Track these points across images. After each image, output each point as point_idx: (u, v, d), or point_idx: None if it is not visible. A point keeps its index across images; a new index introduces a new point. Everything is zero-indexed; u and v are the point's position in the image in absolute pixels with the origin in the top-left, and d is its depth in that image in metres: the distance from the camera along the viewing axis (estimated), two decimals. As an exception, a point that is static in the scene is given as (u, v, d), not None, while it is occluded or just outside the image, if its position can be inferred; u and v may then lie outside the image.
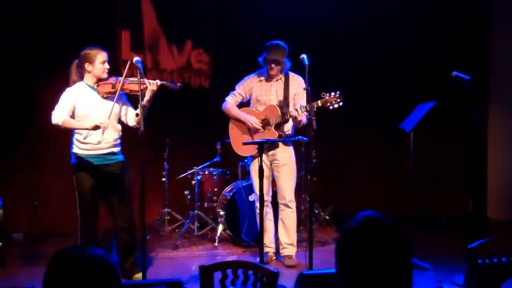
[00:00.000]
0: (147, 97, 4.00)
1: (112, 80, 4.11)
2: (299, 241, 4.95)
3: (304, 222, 5.85)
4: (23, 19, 5.77)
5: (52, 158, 5.79)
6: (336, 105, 4.30)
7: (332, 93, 4.30)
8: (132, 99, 4.24)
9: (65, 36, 5.76)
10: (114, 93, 4.05)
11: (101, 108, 4.08)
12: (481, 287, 2.14)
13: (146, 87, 3.99)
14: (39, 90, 5.70)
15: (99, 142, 4.07)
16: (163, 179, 6.01)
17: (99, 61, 4.07)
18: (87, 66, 4.08)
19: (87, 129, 3.95)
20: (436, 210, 6.29)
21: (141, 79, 3.85)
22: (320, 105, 4.28)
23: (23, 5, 5.75)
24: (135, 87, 3.98)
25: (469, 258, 2.18)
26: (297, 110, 4.44)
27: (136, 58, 3.88)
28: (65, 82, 4.19)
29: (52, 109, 4.04)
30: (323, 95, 4.30)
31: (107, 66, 4.12)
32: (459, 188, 6.07)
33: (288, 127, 4.73)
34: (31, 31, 5.77)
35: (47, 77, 5.65)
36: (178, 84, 4.12)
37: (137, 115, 4.03)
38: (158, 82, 4.03)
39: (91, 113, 4.05)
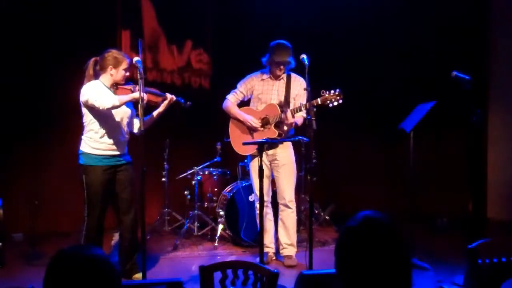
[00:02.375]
0: (160, 109, 4.23)
1: (129, 86, 4.17)
2: (299, 241, 4.95)
3: (304, 222, 5.85)
4: (24, 19, 5.76)
5: (53, 158, 5.80)
6: (335, 103, 4.28)
7: (332, 91, 4.28)
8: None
9: (65, 36, 5.77)
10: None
11: (120, 109, 4.11)
12: (481, 287, 2.14)
13: (163, 99, 4.19)
14: (39, 90, 5.71)
15: (114, 143, 4.10)
16: (163, 179, 6.01)
17: (122, 68, 4.12)
18: (110, 69, 4.10)
19: (135, 98, 4.01)
20: (436, 210, 6.29)
21: (160, 92, 4.20)
22: (320, 103, 4.26)
23: (23, 5, 5.75)
24: (152, 98, 4.14)
25: (469, 258, 2.19)
26: (291, 110, 4.45)
27: (136, 58, 3.90)
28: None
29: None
30: (323, 92, 4.28)
31: (127, 73, 4.18)
32: (459, 188, 6.07)
33: (288, 126, 4.72)
34: (32, 32, 5.77)
35: (47, 77, 5.67)
36: (188, 103, 4.30)
37: (136, 115, 4.05)
38: (174, 98, 4.21)
39: (111, 112, 4.09)
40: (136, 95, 3.98)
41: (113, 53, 4.12)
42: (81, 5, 5.90)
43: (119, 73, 4.12)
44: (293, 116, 4.52)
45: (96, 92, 4.00)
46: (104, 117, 4.06)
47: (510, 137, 6.44)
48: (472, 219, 5.02)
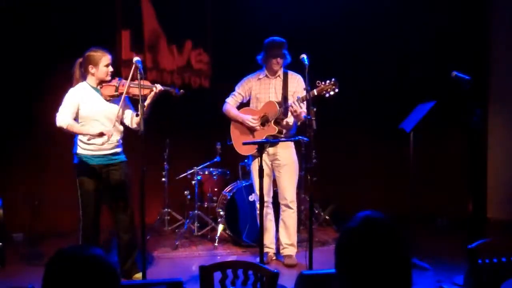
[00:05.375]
0: (149, 100, 4.05)
1: (115, 82, 4.12)
2: (299, 241, 4.94)
3: (304, 222, 5.85)
4: (23, 18, 5.76)
5: (53, 158, 5.79)
6: (332, 92, 4.24)
7: (327, 81, 4.25)
8: (133, 101, 4.25)
9: (66, 35, 5.77)
10: (118, 96, 4.09)
11: (104, 109, 4.09)
12: (481, 287, 2.14)
13: (150, 91, 4.04)
14: (40, 89, 5.70)
15: (103, 143, 4.08)
16: (163, 179, 6.01)
17: (103, 64, 4.08)
18: (91, 68, 4.08)
19: (91, 135, 3.96)
20: (436, 210, 6.29)
21: (146, 84, 3.99)
22: (316, 94, 4.23)
23: (22, 4, 5.75)
24: (138, 91, 3.95)
25: (469, 258, 2.18)
26: (294, 103, 4.42)
27: (136, 58, 3.89)
28: (67, 82, 4.19)
29: (54, 109, 4.04)
30: (318, 83, 4.26)
31: (110, 69, 4.13)
32: (459, 188, 6.07)
33: (288, 123, 4.70)
34: (31, 31, 5.77)
35: (48, 77, 5.66)
36: (181, 90, 4.15)
37: (137, 115, 4.04)
38: (161, 88, 4.06)
39: (95, 115, 4.06)
40: (93, 131, 3.94)
41: (91, 52, 4.08)
42: (81, 5, 5.90)
43: (101, 70, 4.08)
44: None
45: (66, 102, 4.01)
46: (87, 120, 4.05)
47: (510, 137, 6.44)
48: (472, 219, 5.01)
